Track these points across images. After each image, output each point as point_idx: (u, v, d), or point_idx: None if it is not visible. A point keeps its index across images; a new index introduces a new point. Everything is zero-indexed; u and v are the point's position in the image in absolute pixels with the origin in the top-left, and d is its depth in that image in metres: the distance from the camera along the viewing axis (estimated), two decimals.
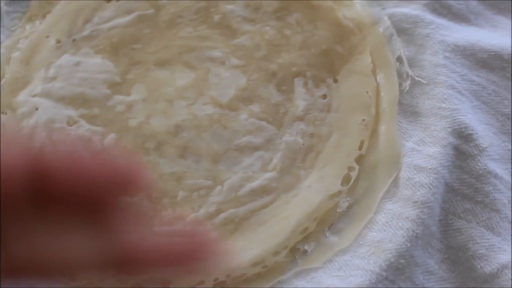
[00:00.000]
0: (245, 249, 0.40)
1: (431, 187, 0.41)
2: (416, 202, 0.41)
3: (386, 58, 0.46)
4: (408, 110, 0.45)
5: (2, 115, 0.45)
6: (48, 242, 0.23)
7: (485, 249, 0.41)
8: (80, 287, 0.39)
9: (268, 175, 0.42)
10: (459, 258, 0.41)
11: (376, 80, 0.45)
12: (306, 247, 0.40)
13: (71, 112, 0.44)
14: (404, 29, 0.47)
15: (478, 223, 0.42)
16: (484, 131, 0.44)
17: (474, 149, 0.42)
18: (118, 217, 0.25)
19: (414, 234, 0.40)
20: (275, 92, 0.45)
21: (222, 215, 0.41)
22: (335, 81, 0.45)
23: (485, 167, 0.42)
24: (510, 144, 0.44)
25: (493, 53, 0.46)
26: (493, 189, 0.42)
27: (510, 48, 0.46)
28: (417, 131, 0.44)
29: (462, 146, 0.42)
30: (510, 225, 0.42)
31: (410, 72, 0.45)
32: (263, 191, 0.42)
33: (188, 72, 0.46)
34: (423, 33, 0.46)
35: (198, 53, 0.46)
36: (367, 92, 0.44)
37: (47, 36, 0.47)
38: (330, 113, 0.44)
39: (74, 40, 0.47)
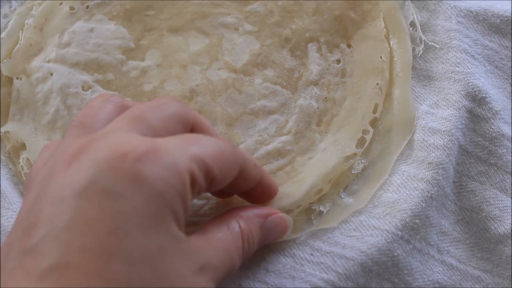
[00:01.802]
0: None
1: (445, 148, 0.41)
2: (430, 163, 0.41)
3: (399, 24, 0.46)
4: (421, 74, 0.45)
5: (16, 81, 0.45)
6: None
7: (498, 210, 0.41)
8: None
9: (283, 138, 0.42)
10: (473, 220, 0.42)
11: (389, 45, 0.45)
12: (321, 208, 0.41)
13: (86, 77, 0.44)
14: None
15: (491, 185, 0.42)
16: (497, 95, 0.44)
17: (487, 112, 0.43)
18: None
19: (429, 195, 0.40)
20: (289, 57, 0.45)
21: None
22: (349, 46, 0.45)
23: (498, 130, 0.42)
24: None
25: (505, 18, 0.46)
26: (507, 151, 0.42)
27: None
28: (431, 95, 0.44)
29: (476, 109, 0.43)
30: None
31: (423, 37, 0.45)
32: (278, 154, 0.42)
33: (202, 38, 0.46)
34: None
35: (212, 19, 0.46)
36: (380, 57, 0.44)
37: (61, 3, 0.47)
38: (344, 77, 0.44)
39: (87, 7, 0.47)
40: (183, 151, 0.28)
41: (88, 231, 0.25)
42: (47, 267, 0.24)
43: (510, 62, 0.45)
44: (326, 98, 0.44)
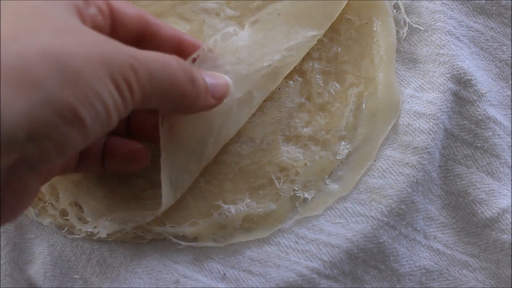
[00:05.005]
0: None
1: (430, 132, 0.41)
2: (416, 148, 0.40)
3: (383, 6, 0.45)
4: (406, 57, 0.44)
5: None
6: None
7: (485, 194, 0.41)
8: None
9: None
10: (459, 204, 0.41)
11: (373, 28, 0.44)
12: (306, 195, 0.40)
13: None
14: None
15: (478, 168, 0.41)
16: (482, 77, 0.43)
17: (473, 95, 0.42)
18: None
19: (415, 180, 0.40)
20: None
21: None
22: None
23: (484, 113, 0.42)
24: (509, 89, 0.44)
25: None
26: (493, 134, 0.42)
27: None
28: (415, 78, 0.43)
29: (461, 92, 0.42)
30: (510, 170, 0.42)
31: (407, 19, 0.44)
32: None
33: (183, 24, 0.45)
34: None
35: (192, 5, 0.45)
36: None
37: None
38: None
39: None
40: None
41: None
42: None
43: (495, 44, 0.45)
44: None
